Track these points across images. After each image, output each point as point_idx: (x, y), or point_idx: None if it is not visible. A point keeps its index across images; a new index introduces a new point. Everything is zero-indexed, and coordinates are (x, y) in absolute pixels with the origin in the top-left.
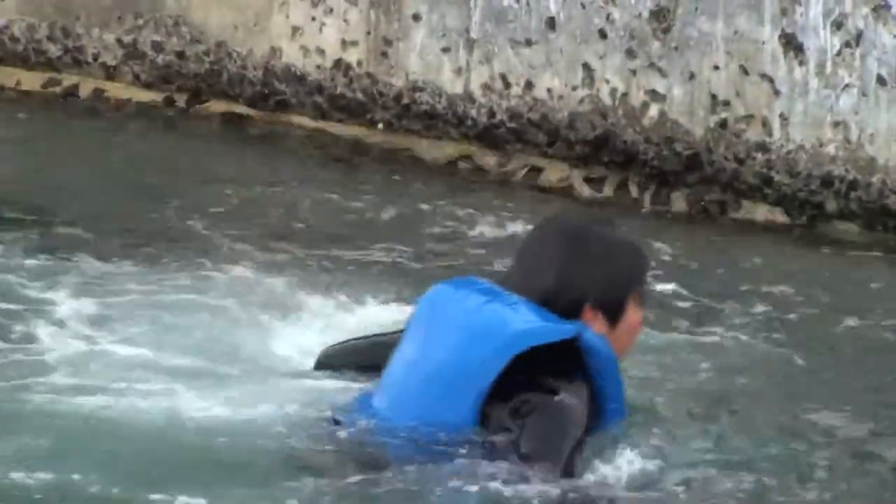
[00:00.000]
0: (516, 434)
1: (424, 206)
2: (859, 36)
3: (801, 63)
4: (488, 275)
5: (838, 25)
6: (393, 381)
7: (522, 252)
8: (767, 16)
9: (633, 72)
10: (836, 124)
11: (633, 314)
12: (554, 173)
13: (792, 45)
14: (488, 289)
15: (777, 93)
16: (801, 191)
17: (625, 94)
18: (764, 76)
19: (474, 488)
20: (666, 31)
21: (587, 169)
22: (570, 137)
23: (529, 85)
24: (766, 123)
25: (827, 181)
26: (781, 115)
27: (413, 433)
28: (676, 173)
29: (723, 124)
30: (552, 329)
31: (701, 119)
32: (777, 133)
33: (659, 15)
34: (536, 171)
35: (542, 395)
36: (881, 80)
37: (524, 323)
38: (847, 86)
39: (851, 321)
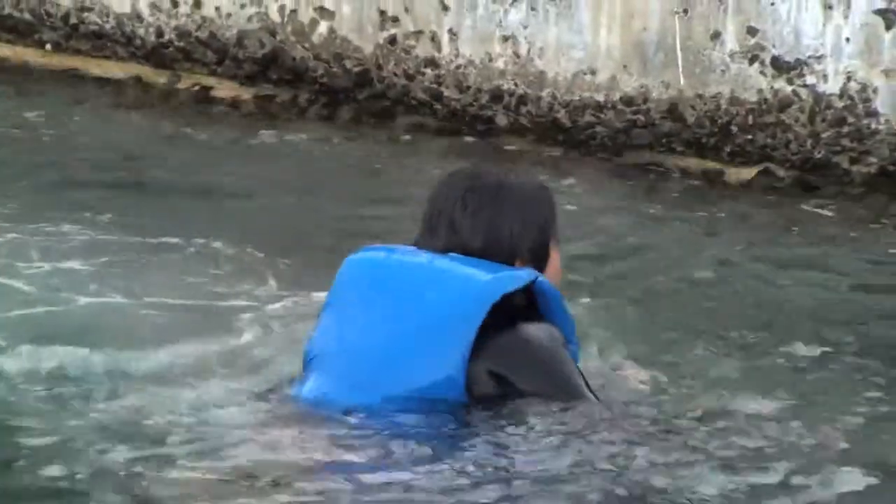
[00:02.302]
0: (520, 385)
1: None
2: None
3: None
4: None
5: None
6: (340, 358)
7: (436, 213)
8: None
9: None
10: (505, 38)
11: (555, 256)
12: (224, 92)
13: None
14: (417, 252)
15: (446, 8)
16: (472, 105)
17: (294, 11)
18: None
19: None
20: None
21: (256, 87)
22: (238, 55)
23: (198, 3)
24: (435, 39)
25: (497, 95)
26: (451, 31)
27: (394, 408)
28: (346, 90)
29: (392, 40)
30: (518, 276)
31: (370, 35)
32: (446, 48)
33: None
34: (206, 89)
35: (513, 337)
36: None
37: (488, 273)
38: (515, 0)
39: None
